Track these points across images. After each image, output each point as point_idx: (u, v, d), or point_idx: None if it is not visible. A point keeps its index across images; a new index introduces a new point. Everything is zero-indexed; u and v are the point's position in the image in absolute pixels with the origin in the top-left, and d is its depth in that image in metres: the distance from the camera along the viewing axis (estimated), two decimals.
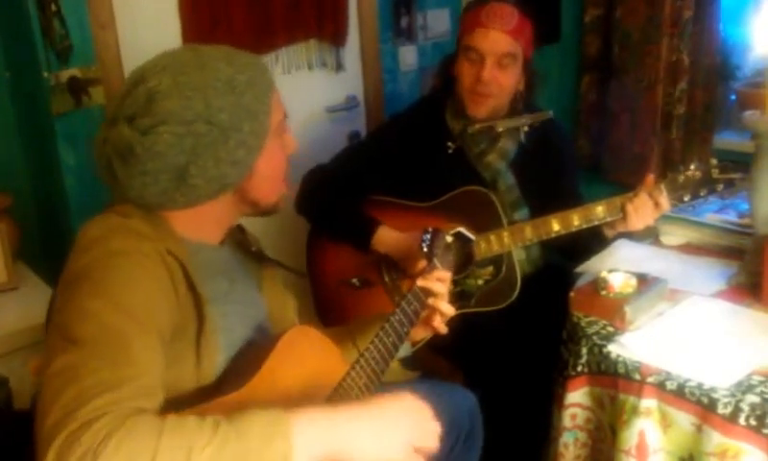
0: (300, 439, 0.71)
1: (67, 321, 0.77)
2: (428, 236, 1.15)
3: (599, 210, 1.42)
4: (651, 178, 1.40)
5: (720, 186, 1.37)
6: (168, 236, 0.89)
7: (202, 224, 0.94)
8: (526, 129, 1.56)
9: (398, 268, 1.50)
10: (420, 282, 1.07)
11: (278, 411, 0.72)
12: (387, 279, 1.55)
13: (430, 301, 1.08)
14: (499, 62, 1.49)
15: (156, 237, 0.86)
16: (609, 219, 1.42)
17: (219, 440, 0.68)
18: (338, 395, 0.93)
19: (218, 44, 0.93)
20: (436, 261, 1.11)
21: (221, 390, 0.84)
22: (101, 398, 0.69)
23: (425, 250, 1.14)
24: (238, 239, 1.07)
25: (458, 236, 1.21)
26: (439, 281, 1.08)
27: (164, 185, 0.86)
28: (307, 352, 0.94)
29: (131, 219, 0.87)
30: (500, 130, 1.53)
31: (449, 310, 1.09)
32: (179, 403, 0.79)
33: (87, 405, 0.68)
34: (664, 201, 1.37)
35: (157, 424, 0.68)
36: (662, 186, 1.38)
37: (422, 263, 1.12)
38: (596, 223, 1.43)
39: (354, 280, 1.51)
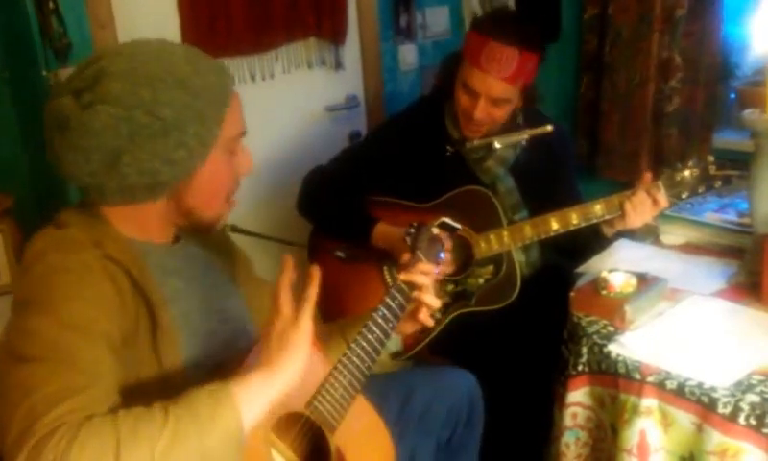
0: (244, 401, 0.77)
1: (15, 341, 0.78)
2: (412, 230, 1.15)
3: (597, 209, 1.42)
4: (648, 175, 1.41)
5: (718, 183, 1.37)
6: (110, 240, 0.88)
7: (145, 224, 0.93)
8: (524, 143, 1.56)
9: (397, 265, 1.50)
10: (403, 276, 1.06)
11: (217, 384, 0.78)
12: (389, 279, 1.55)
13: (415, 294, 1.07)
14: (493, 102, 1.47)
15: (96, 244, 0.85)
16: (607, 217, 1.42)
17: (173, 421, 0.72)
18: (321, 396, 0.92)
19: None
20: (420, 254, 1.11)
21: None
22: (56, 409, 0.70)
23: (409, 243, 1.14)
24: (202, 233, 1.05)
25: (443, 226, 1.21)
26: (422, 274, 1.08)
27: (95, 167, 0.84)
28: None
29: (68, 229, 0.87)
30: (498, 146, 1.53)
31: (435, 302, 1.09)
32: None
33: (44, 418, 0.70)
34: (662, 198, 1.37)
35: (112, 420, 0.71)
36: (660, 183, 1.38)
37: (406, 256, 1.12)
38: (595, 221, 1.43)
39: (339, 253, 1.51)
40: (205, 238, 1.05)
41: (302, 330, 0.85)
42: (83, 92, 0.84)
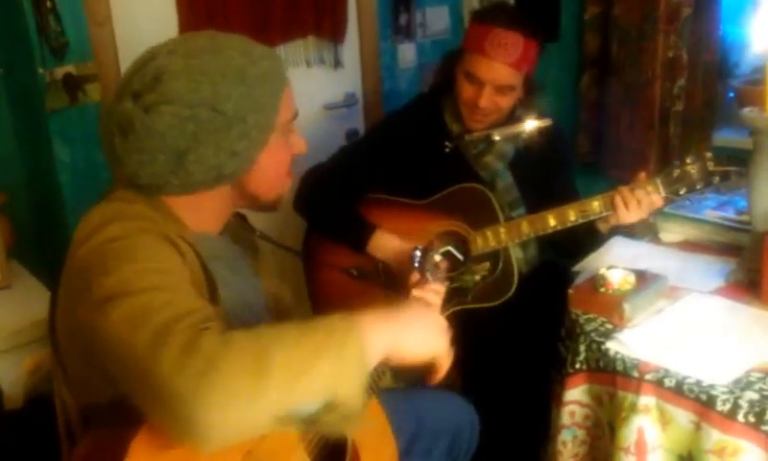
0: (369, 336, 0.78)
1: (113, 286, 0.75)
2: (418, 254, 1.16)
3: (595, 205, 1.42)
4: (642, 174, 1.40)
5: (716, 179, 1.37)
6: (173, 222, 0.88)
7: (202, 213, 0.93)
8: (524, 136, 1.55)
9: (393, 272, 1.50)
10: (416, 292, 1.08)
11: (343, 314, 0.78)
12: (383, 276, 1.54)
13: None
14: (499, 90, 1.47)
15: (162, 222, 0.85)
16: (605, 214, 1.41)
17: (311, 332, 0.73)
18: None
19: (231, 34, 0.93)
20: (429, 276, 1.13)
21: None
22: (190, 317, 0.71)
23: (417, 267, 1.15)
24: (235, 228, 1.06)
25: (447, 255, 1.22)
26: (434, 293, 1.09)
27: (160, 167, 0.84)
28: None
29: (134, 205, 0.86)
30: (497, 138, 1.53)
31: None
32: None
33: (181, 323, 0.70)
34: (657, 197, 1.36)
35: (251, 333, 0.71)
36: (658, 181, 1.37)
37: (415, 277, 1.13)
38: (592, 218, 1.42)
39: (353, 270, 1.51)
40: (237, 233, 1.06)
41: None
42: (143, 94, 0.83)
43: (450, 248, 1.27)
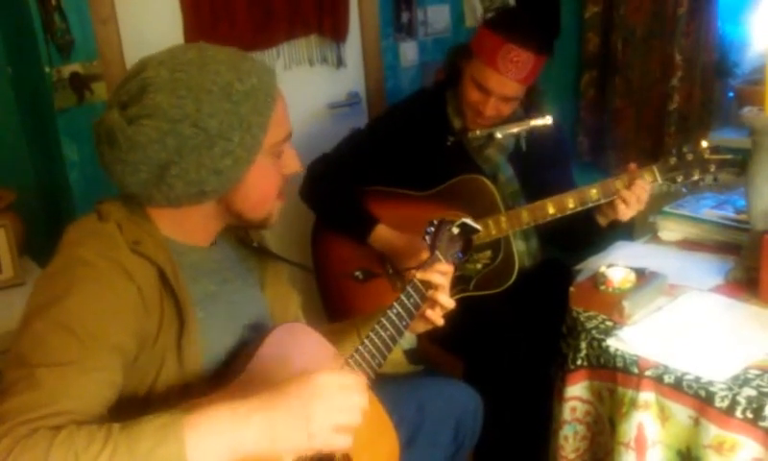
0: (196, 441, 0.70)
1: (19, 333, 0.79)
2: (432, 228, 1.12)
3: (593, 193, 1.43)
4: (633, 165, 1.42)
5: (712, 167, 1.38)
6: (148, 237, 0.88)
7: (188, 226, 0.93)
8: (524, 135, 1.58)
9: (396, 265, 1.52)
10: (419, 275, 1.06)
11: (174, 413, 0.72)
12: (390, 269, 1.56)
13: (430, 293, 1.07)
14: (504, 100, 1.50)
15: (133, 242, 0.85)
16: (603, 201, 1.43)
17: (110, 448, 0.68)
18: None
19: (224, 42, 0.91)
20: (438, 254, 1.10)
21: (206, 390, 0.84)
22: (10, 421, 0.69)
23: (428, 242, 1.12)
24: (239, 235, 1.06)
25: (463, 227, 1.21)
26: (440, 274, 1.07)
27: (143, 178, 0.85)
28: (296, 349, 0.93)
29: (107, 223, 0.86)
30: (499, 136, 1.55)
31: (449, 303, 1.08)
32: (166, 404, 0.79)
33: (25, 416, 0.69)
34: (648, 185, 1.38)
35: (48, 439, 0.68)
36: (655, 168, 1.39)
37: (424, 255, 1.11)
38: (590, 205, 1.44)
39: (357, 274, 1.52)
40: (241, 240, 1.05)
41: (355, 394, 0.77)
42: (128, 106, 0.84)
43: (466, 219, 1.22)
